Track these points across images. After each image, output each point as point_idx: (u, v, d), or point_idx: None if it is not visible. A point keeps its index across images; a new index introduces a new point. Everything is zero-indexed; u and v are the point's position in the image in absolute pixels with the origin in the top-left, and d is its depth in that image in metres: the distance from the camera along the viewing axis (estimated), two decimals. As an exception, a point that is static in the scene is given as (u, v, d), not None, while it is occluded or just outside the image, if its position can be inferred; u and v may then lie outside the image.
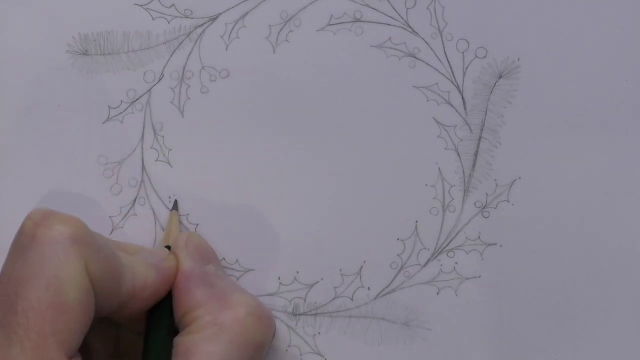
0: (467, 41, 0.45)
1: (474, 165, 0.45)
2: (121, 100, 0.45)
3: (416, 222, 0.45)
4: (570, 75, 0.45)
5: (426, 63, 0.45)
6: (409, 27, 0.45)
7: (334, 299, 0.45)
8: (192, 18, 0.45)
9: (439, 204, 0.45)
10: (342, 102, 0.45)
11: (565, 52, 0.45)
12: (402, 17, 0.45)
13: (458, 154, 0.45)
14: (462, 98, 0.45)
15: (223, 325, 0.40)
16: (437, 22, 0.45)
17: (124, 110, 0.45)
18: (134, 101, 0.45)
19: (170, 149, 0.45)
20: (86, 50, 0.46)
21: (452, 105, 0.45)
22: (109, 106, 0.45)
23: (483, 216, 0.45)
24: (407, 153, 0.45)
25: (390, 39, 0.45)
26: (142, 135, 0.45)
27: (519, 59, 0.45)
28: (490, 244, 0.45)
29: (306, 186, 0.45)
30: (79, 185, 0.45)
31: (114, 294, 0.38)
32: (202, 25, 0.45)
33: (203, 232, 0.45)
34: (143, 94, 0.46)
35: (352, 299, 0.45)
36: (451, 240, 0.45)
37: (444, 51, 0.45)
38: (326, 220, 0.45)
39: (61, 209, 0.43)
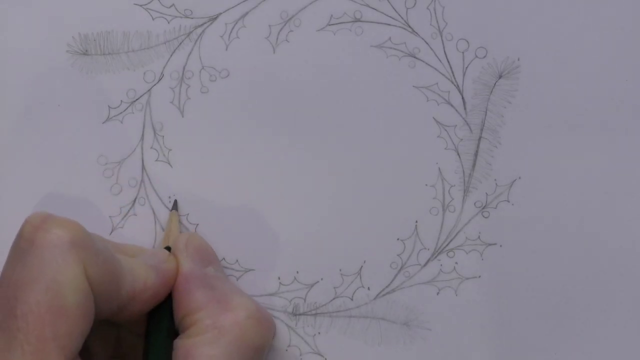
0: (467, 41, 0.45)
1: (474, 165, 0.45)
2: (121, 100, 0.45)
3: (416, 222, 0.45)
4: (570, 75, 0.45)
5: (426, 63, 0.45)
6: (409, 27, 0.45)
7: (334, 299, 0.45)
8: (192, 18, 0.45)
9: (439, 204, 0.45)
10: (342, 102, 0.45)
11: (565, 52, 0.45)
12: (402, 17, 0.45)
13: (458, 154, 0.45)
14: (462, 98, 0.45)
15: (223, 328, 0.40)
16: (437, 22, 0.45)
17: (124, 110, 0.45)
18: (134, 101, 0.45)
19: (170, 149, 0.45)
20: (86, 50, 0.46)
21: (452, 105, 0.45)
22: (109, 106, 0.45)
23: (483, 216, 0.45)
24: (407, 153, 0.45)
25: (390, 39, 0.45)
26: (142, 135, 0.45)
27: (519, 59, 0.45)
28: (490, 244, 0.45)
29: (306, 186, 0.45)
30: (79, 185, 0.45)
31: (114, 297, 0.38)
32: (202, 25, 0.45)
33: (203, 232, 0.45)
34: (143, 94, 0.46)
35: (352, 299, 0.45)
36: (451, 240, 0.45)
37: (444, 51, 0.45)
38: (326, 220, 0.45)
39: (61, 209, 0.43)
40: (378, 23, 0.45)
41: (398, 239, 0.45)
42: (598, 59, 0.45)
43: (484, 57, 0.45)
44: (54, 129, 0.45)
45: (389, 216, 0.45)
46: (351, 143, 0.45)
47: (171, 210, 0.45)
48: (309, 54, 0.45)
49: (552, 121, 0.45)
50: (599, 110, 0.45)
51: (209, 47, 0.45)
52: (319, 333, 0.45)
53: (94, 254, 0.37)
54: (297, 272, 0.45)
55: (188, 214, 0.45)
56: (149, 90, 0.45)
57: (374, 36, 0.45)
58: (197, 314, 0.40)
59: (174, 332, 0.41)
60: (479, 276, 0.45)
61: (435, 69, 0.45)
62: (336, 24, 0.45)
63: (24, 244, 0.37)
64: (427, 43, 0.45)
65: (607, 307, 0.44)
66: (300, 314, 0.45)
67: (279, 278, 0.45)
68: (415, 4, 0.45)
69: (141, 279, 0.40)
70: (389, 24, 0.45)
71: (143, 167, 0.45)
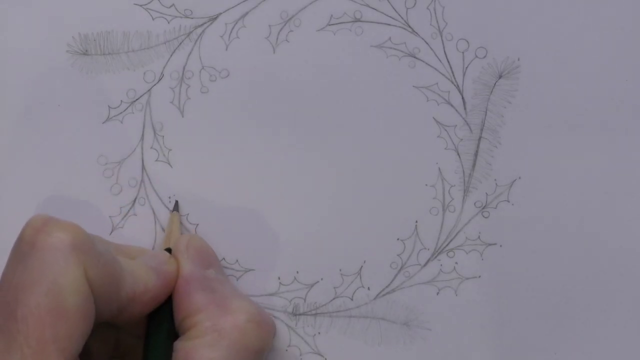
0: (467, 41, 0.45)
1: (474, 165, 0.45)
2: (121, 100, 0.45)
3: (416, 222, 0.45)
4: (570, 75, 0.45)
5: (426, 63, 0.45)
6: (409, 27, 0.45)
7: (334, 299, 0.45)
8: (192, 18, 0.45)
9: (439, 204, 0.45)
10: (342, 102, 0.45)
11: (565, 52, 0.45)
12: (402, 17, 0.45)
13: (458, 154, 0.45)
14: (462, 98, 0.45)
15: (223, 331, 0.40)
16: (437, 22, 0.45)
17: (124, 110, 0.45)
18: (134, 101, 0.45)
19: (170, 149, 0.45)
20: (86, 50, 0.45)
21: (452, 105, 0.45)
22: (109, 106, 0.45)
23: (483, 216, 0.45)
24: (407, 153, 0.45)
25: (390, 39, 0.45)
26: (142, 135, 0.45)
27: (519, 59, 0.45)
28: (490, 244, 0.45)
29: (306, 186, 0.45)
30: (79, 185, 0.45)
31: (114, 299, 0.38)
32: (202, 25, 0.45)
33: (203, 232, 0.45)
34: (143, 94, 0.46)
35: (352, 299, 0.45)
36: (451, 240, 0.45)
37: (444, 51, 0.45)
38: (326, 220, 0.45)
39: (61, 209, 0.43)
40: (378, 23, 0.45)
41: (398, 239, 0.45)
42: (598, 59, 0.45)
43: (484, 57, 0.45)
44: (54, 129, 0.45)
45: (389, 216, 0.45)
46: (351, 143, 0.45)
47: (172, 211, 0.45)
48: (309, 54, 0.45)
49: (552, 121, 0.45)
50: (599, 110, 0.45)
51: (209, 47, 0.45)
52: (319, 333, 0.45)
53: (95, 256, 0.37)
54: (297, 272, 0.45)
55: (188, 214, 0.45)
56: (149, 90, 0.45)
57: (374, 36, 0.45)
58: (197, 317, 0.40)
59: (174, 334, 0.41)
60: (479, 276, 0.45)
61: (435, 69, 0.45)
62: (336, 24, 0.45)
63: (25, 247, 0.37)
64: (427, 43, 0.45)
65: (607, 307, 0.44)
66: (300, 314, 0.45)
67: (279, 278, 0.45)
68: (415, 4, 0.45)
69: (142, 281, 0.40)
70: (389, 24, 0.45)
71: (143, 167, 0.45)
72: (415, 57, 0.45)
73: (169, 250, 0.43)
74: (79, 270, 0.37)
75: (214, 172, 0.45)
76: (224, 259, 0.45)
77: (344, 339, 0.45)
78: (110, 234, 0.45)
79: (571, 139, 0.45)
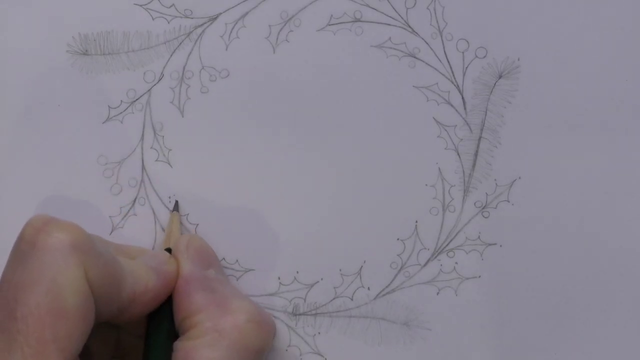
0: (467, 41, 0.45)
1: (474, 165, 0.45)
2: (121, 100, 0.45)
3: (416, 222, 0.45)
4: (570, 75, 0.45)
5: (426, 63, 0.45)
6: (409, 27, 0.45)
7: (334, 299, 0.45)
8: (192, 18, 0.45)
9: (439, 204, 0.45)
10: (342, 102, 0.45)
11: (565, 52, 0.45)
12: (402, 17, 0.45)
13: (458, 154, 0.45)
14: (462, 98, 0.45)
15: (223, 331, 0.40)
16: (437, 22, 0.45)
17: (124, 110, 0.45)
18: (134, 101, 0.45)
19: (170, 149, 0.45)
20: (86, 50, 0.46)
21: (452, 105, 0.45)
22: (109, 106, 0.45)
23: (483, 216, 0.45)
24: (407, 153, 0.45)
25: (390, 39, 0.45)
26: (142, 135, 0.45)
27: (519, 59, 0.45)
28: (490, 244, 0.45)
29: (306, 186, 0.45)
30: (79, 185, 0.45)
31: (114, 299, 0.38)
32: (202, 25, 0.45)
33: (203, 232, 0.45)
34: (143, 94, 0.46)
35: (352, 299, 0.45)
36: (451, 240, 0.45)
37: (444, 51, 0.45)
38: (326, 220, 0.45)
39: (61, 209, 0.43)
40: (378, 23, 0.45)
41: (398, 239, 0.45)
42: (598, 59, 0.45)
43: (484, 57, 0.45)
44: (54, 129, 0.45)
45: (389, 216, 0.45)
46: (351, 143, 0.45)
47: (172, 211, 0.45)
48: (309, 54, 0.45)
49: (552, 121, 0.45)
50: (599, 110, 0.45)
51: (209, 47, 0.45)
52: (319, 333, 0.45)
53: (95, 256, 0.37)
54: (297, 272, 0.45)
55: (188, 214, 0.45)
56: (149, 90, 0.45)
57: (374, 36, 0.45)
58: (197, 317, 0.40)
59: (174, 334, 0.41)
60: (479, 276, 0.45)
61: (435, 69, 0.45)
62: (336, 24, 0.45)
63: (25, 247, 0.37)
64: (427, 43, 0.45)
65: (607, 307, 0.44)
66: (300, 314, 0.45)
67: (279, 278, 0.45)
68: (415, 4, 0.45)
69: (142, 281, 0.40)
70: (389, 24, 0.45)
71: (143, 167, 0.45)
72: (415, 57, 0.45)
73: (169, 250, 0.43)
74: (79, 270, 0.37)
75: (214, 172, 0.45)
76: (224, 259, 0.45)
77: (344, 339, 0.45)
78: (110, 234, 0.45)
79: (571, 139, 0.45)
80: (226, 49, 0.45)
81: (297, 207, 0.45)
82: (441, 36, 0.45)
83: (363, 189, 0.45)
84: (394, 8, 0.45)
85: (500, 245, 0.45)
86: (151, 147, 0.45)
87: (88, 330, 0.37)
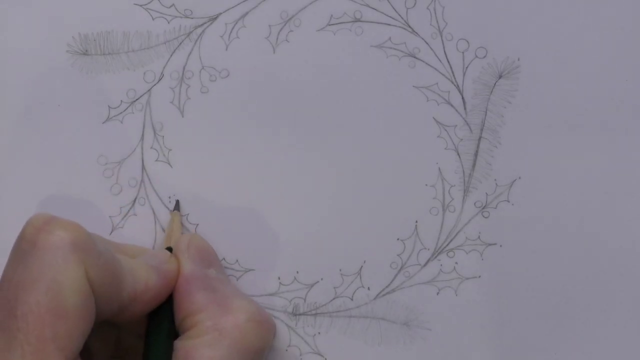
0: (467, 41, 0.45)
1: (474, 165, 0.45)
2: (121, 100, 0.45)
3: (416, 222, 0.45)
4: (570, 75, 0.45)
5: (426, 63, 0.45)
6: (409, 27, 0.45)
7: (334, 299, 0.45)
8: (192, 18, 0.45)
9: (439, 204, 0.45)
10: (342, 102, 0.45)
11: (565, 52, 0.45)
12: (402, 17, 0.45)
13: (458, 154, 0.45)
14: (462, 98, 0.45)
15: (224, 330, 0.40)
16: (437, 22, 0.45)
17: (124, 110, 0.45)
18: (134, 101, 0.45)
19: (170, 149, 0.45)
20: (86, 50, 0.46)
21: (452, 105, 0.45)
22: (109, 106, 0.45)
23: (483, 216, 0.45)
24: (407, 153, 0.45)
25: (390, 39, 0.45)
26: (142, 135, 0.45)
27: (519, 59, 0.45)
28: (490, 244, 0.45)
29: (306, 186, 0.45)
30: (79, 185, 0.45)
31: (115, 298, 0.38)
32: (202, 25, 0.45)
33: (203, 232, 0.45)
34: (143, 94, 0.46)
35: (352, 299, 0.45)
36: (451, 240, 0.45)
37: (444, 51, 0.45)
38: (326, 220, 0.45)
39: (61, 209, 0.43)
40: (378, 23, 0.45)
41: (398, 239, 0.45)
42: (598, 59, 0.45)
43: (484, 57, 0.45)
44: (54, 129, 0.45)
45: (389, 216, 0.45)
46: (351, 143, 0.45)
47: (173, 211, 0.45)
48: (309, 54, 0.45)
49: (552, 121, 0.45)
50: (599, 110, 0.45)
51: (209, 47, 0.45)
52: (319, 333, 0.45)
53: (96, 255, 0.37)
54: (297, 272, 0.45)
55: (188, 214, 0.45)
56: (149, 90, 0.45)
57: (374, 36, 0.45)
58: (197, 316, 0.40)
59: (174, 334, 0.41)
60: (479, 276, 0.45)
61: (435, 69, 0.45)
62: (336, 24, 0.45)
63: (26, 245, 0.37)
64: (427, 43, 0.45)
65: (607, 307, 0.44)
66: (300, 314, 0.45)
67: (279, 278, 0.45)
68: (415, 4, 0.45)
69: (142, 280, 0.40)
70: (389, 24, 0.45)
71: (143, 167, 0.45)
72: (415, 57, 0.45)
73: (169, 249, 0.43)
74: (79, 269, 0.37)
75: (214, 172, 0.45)
76: (224, 259, 0.45)
77: (344, 339, 0.45)
78: (110, 234, 0.45)
79: (571, 139, 0.45)
80: (226, 49, 0.45)
81: (297, 207, 0.45)
82: (441, 36, 0.45)
83: (363, 189, 0.45)
84: (394, 8, 0.45)
85: (500, 245, 0.45)
86: (151, 147, 0.45)
87: (88, 329, 0.37)
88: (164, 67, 0.45)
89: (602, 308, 0.45)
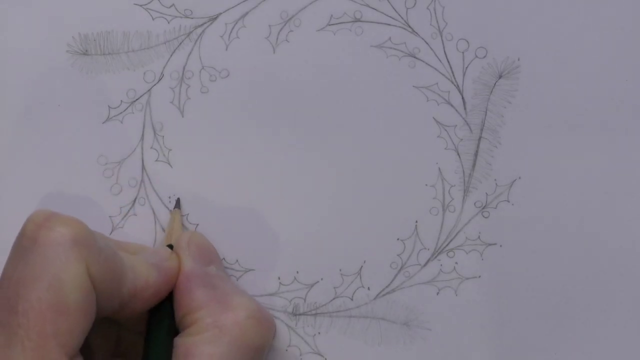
0: (467, 41, 0.45)
1: (474, 165, 0.45)
2: (121, 100, 0.45)
3: (416, 222, 0.45)
4: (570, 75, 0.45)
5: (426, 63, 0.45)
6: (409, 27, 0.45)
7: (334, 299, 0.45)
8: (192, 18, 0.45)
9: (439, 204, 0.45)
10: (342, 102, 0.45)
11: (565, 52, 0.45)
12: (402, 17, 0.45)
13: (458, 154, 0.45)
14: (462, 98, 0.45)
15: (223, 327, 0.40)
16: (437, 22, 0.45)
17: (124, 110, 0.45)
18: (134, 101, 0.45)
19: (170, 149, 0.45)
20: (86, 50, 0.46)
21: (452, 105, 0.45)
22: (109, 106, 0.45)
23: (483, 216, 0.45)
24: (407, 153, 0.45)
25: (390, 39, 0.45)
26: (142, 135, 0.45)
27: (519, 59, 0.45)
28: (490, 244, 0.45)
29: (306, 186, 0.45)
30: (79, 185, 0.45)
31: (116, 295, 0.38)
32: (202, 25, 0.45)
33: (203, 232, 0.45)
34: (143, 94, 0.46)
35: (352, 299, 0.45)
36: (451, 240, 0.45)
37: (444, 51, 0.45)
38: (326, 220, 0.45)
39: (61, 209, 0.43)
40: (378, 23, 0.45)
41: (398, 239, 0.45)
42: (598, 59, 0.45)
43: (484, 57, 0.45)
44: (54, 129, 0.45)
45: (389, 216, 0.45)
46: (351, 143, 0.45)
47: (174, 209, 0.45)
48: (309, 54, 0.45)
49: (552, 121, 0.45)
50: (599, 110, 0.45)
51: (209, 47, 0.45)
52: (319, 333, 0.45)
53: (97, 252, 0.37)
54: (297, 272, 0.45)
55: (188, 214, 0.45)
56: (149, 90, 0.45)
57: (374, 36, 0.45)
58: (197, 313, 0.40)
59: (175, 331, 0.41)
60: (479, 276, 0.45)
61: (435, 69, 0.45)
62: (336, 24, 0.45)
63: (27, 242, 0.37)
64: (427, 43, 0.45)
65: (607, 307, 0.44)
66: (300, 314, 0.45)
67: (279, 278, 0.45)
68: (415, 4, 0.45)
69: (143, 276, 0.40)
70: (389, 24, 0.45)
71: (143, 167, 0.45)
72: (415, 57, 0.45)
73: (170, 247, 0.43)
74: (80, 265, 0.37)
75: (214, 172, 0.45)
76: (224, 259, 0.45)
77: (344, 339, 0.45)
78: (110, 234, 0.45)
79: (571, 139, 0.45)
80: (226, 49, 0.45)
81: (297, 207, 0.45)
82: (441, 36, 0.45)
83: (363, 189, 0.45)
84: (394, 8, 0.45)
85: (500, 245, 0.45)
86: (151, 147, 0.45)
87: (89, 326, 0.37)
88: (164, 67, 0.45)
89: (602, 308, 0.45)
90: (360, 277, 0.45)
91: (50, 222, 0.37)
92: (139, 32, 0.45)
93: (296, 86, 0.45)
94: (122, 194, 0.45)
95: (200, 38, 0.45)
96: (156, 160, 0.45)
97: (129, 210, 0.45)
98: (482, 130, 0.45)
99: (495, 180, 0.45)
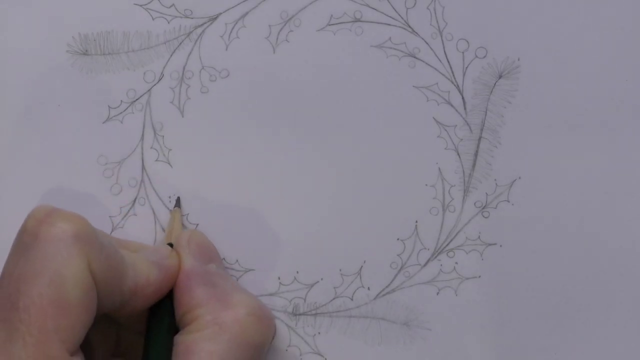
0: (467, 41, 0.45)
1: (474, 165, 0.45)
2: (121, 100, 0.45)
3: (416, 222, 0.45)
4: (570, 75, 0.45)
5: (426, 63, 0.45)
6: (409, 27, 0.45)
7: (334, 299, 0.45)
8: (192, 18, 0.45)
9: (439, 204, 0.45)
10: (342, 102, 0.45)
11: (565, 52, 0.45)
12: (402, 17, 0.45)
13: (458, 154, 0.45)
14: (462, 98, 0.45)
15: (223, 325, 0.40)
16: (437, 22, 0.45)
17: (124, 110, 0.45)
18: (134, 101, 0.45)
19: (170, 149, 0.45)
20: (86, 50, 0.46)
21: (452, 105, 0.45)
22: (109, 106, 0.45)
23: (483, 216, 0.45)
24: (407, 153, 0.45)
25: (390, 39, 0.45)
26: (142, 135, 0.45)
27: (519, 59, 0.45)
28: (490, 244, 0.45)
29: (306, 186, 0.45)
30: (79, 185, 0.45)
31: (116, 292, 0.38)
32: (202, 25, 0.45)
33: (203, 232, 0.45)
34: (143, 94, 0.46)
35: (352, 299, 0.45)
36: (451, 240, 0.45)
37: (444, 51, 0.45)
38: (326, 220, 0.45)
39: (61, 209, 0.43)
40: (378, 23, 0.45)
41: (398, 239, 0.45)
42: (598, 59, 0.45)
43: (484, 57, 0.45)
44: (54, 129, 0.45)
45: (389, 216, 0.45)
46: (351, 143, 0.45)
47: (174, 208, 0.45)
48: (309, 54, 0.45)
49: (552, 121, 0.45)
50: (599, 110, 0.45)
51: (209, 47, 0.45)
52: (319, 333, 0.45)
53: (98, 248, 0.37)
54: (297, 272, 0.45)
55: (188, 214, 0.45)
56: (149, 90, 0.46)
57: (374, 36, 0.45)
58: (197, 310, 0.40)
59: (175, 329, 0.41)
60: (479, 276, 0.45)
61: (435, 69, 0.45)
62: (336, 24, 0.45)
63: (28, 238, 0.37)
64: (427, 43, 0.45)
65: (607, 307, 0.44)
66: (300, 314, 0.45)
67: (279, 278, 0.45)
68: (415, 4, 0.45)
69: (143, 274, 0.40)
70: (389, 24, 0.45)
71: (143, 167, 0.45)
72: (415, 57, 0.45)
73: (170, 245, 0.43)
74: (82, 261, 0.37)
75: (214, 172, 0.45)
76: (224, 259, 0.45)
77: (344, 339, 0.45)
78: (110, 234, 0.45)
79: (571, 139, 0.45)
80: (226, 49, 0.45)
81: (297, 207, 0.45)
82: (441, 36, 0.45)
83: (363, 189, 0.45)
84: (394, 8, 0.45)
85: (500, 245, 0.45)
86: (151, 147, 0.45)
87: (90, 322, 0.37)
88: (164, 67, 0.45)
89: (602, 308, 0.45)
90: (360, 277, 0.45)
91: (51, 217, 0.37)
92: (139, 32, 0.45)
93: (296, 86, 0.45)
94: (122, 194, 0.45)
95: (200, 38, 0.45)
96: (156, 160, 0.45)
97: (129, 210, 0.45)
98: (482, 130, 0.45)
99: (495, 180, 0.45)
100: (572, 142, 0.45)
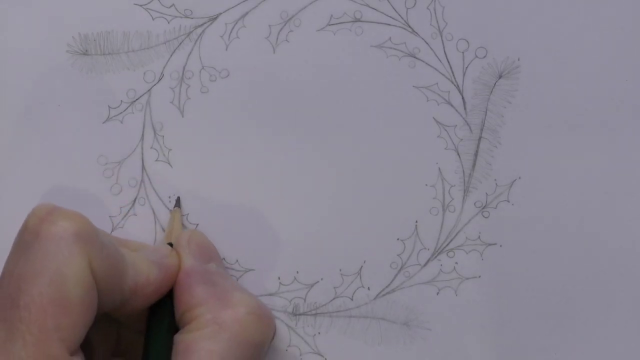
0: (467, 41, 0.45)
1: (474, 165, 0.45)
2: (121, 100, 0.45)
3: (416, 222, 0.45)
4: (570, 75, 0.45)
5: (426, 63, 0.45)
6: (409, 27, 0.45)
7: (334, 299, 0.45)
8: (192, 18, 0.45)
9: (439, 204, 0.45)
10: (342, 102, 0.45)
11: (565, 52, 0.45)
12: (402, 17, 0.45)
13: (458, 154, 0.45)
14: (462, 98, 0.45)
15: (223, 324, 0.40)
16: (437, 22, 0.45)
17: (124, 110, 0.45)
18: (134, 101, 0.45)
19: (170, 149, 0.45)
20: (86, 50, 0.46)
21: (452, 105, 0.45)
22: (109, 106, 0.45)
23: (483, 216, 0.45)
24: (407, 153, 0.45)
25: (390, 39, 0.45)
26: (142, 135, 0.45)
27: (519, 59, 0.45)
28: (490, 244, 0.45)
29: (306, 186, 0.45)
30: (79, 185, 0.45)
31: (117, 291, 0.38)
32: (202, 25, 0.45)
33: (203, 232, 0.45)
34: (143, 94, 0.46)
35: (352, 299, 0.45)
36: (451, 240, 0.45)
37: (444, 51, 0.45)
38: (326, 220, 0.45)
39: (61, 209, 0.43)
40: (378, 23, 0.45)
41: (398, 239, 0.45)
42: (598, 59, 0.45)
43: (484, 57, 0.45)
44: (54, 129, 0.45)
45: (389, 216, 0.45)
46: (351, 143, 0.45)
47: (174, 207, 0.45)
48: (309, 54, 0.45)
49: (552, 121, 0.45)
50: (599, 110, 0.45)
51: (209, 47, 0.45)
52: (319, 333, 0.45)
53: (99, 247, 0.37)
54: (297, 272, 0.45)
55: (188, 214, 0.45)
56: (149, 90, 0.46)
57: (374, 36, 0.45)
58: (197, 310, 0.40)
59: (175, 328, 0.41)
60: (479, 276, 0.45)
61: (435, 69, 0.45)
62: (336, 24, 0.45)
63: (29, 237, 0.37)
64: (427, 43, 0.45)
65: (607, 307, 0.44)
66: (300, 314, 0.45)
67: (279, 278, 0.45)
68: (415, 4, 0.45)
69: (144, 273, 0.40)
70: (389, 24, 0.45)
71: (143, 167, 0.45)
72: (415, 57, 0.45)
73: (170, 245, 0.43)
74: (83, 260, 0.37)
75: (214, 172, 0.45)
76: (224, 259, 0.45)
77: (344, 339, 0.45)
78: (110, 233, 0.45)
79: (571, 139, 0.45)
80: (226, 49, 0.45)
81: (297, 207, 0.45)
82: (441, 36, 0.45)
83: (363, 189, 0.45)
84: (394, 8, 0.45)
85: (500, 245, 0.45)
86: (151, 147, 0.45)
87: (90, 321, 0.37)
88: (164, 67, 0.45)
89: (602, 308, 0.44)
90: (360, 277, 0.45)
91: (52, 216, 0.37)
92: (139, 32, 0.46)
93: (296, 86, 0.45)
94: (122, 194, 0.45)
95: (200, 38, 0.45)
96: (156, 160, 0.45)
97: (129, 210, 0.45)
98: (482, 130, 0.45)
99: (495, 180, 0.45)
100: (572, 142, 0.45)
